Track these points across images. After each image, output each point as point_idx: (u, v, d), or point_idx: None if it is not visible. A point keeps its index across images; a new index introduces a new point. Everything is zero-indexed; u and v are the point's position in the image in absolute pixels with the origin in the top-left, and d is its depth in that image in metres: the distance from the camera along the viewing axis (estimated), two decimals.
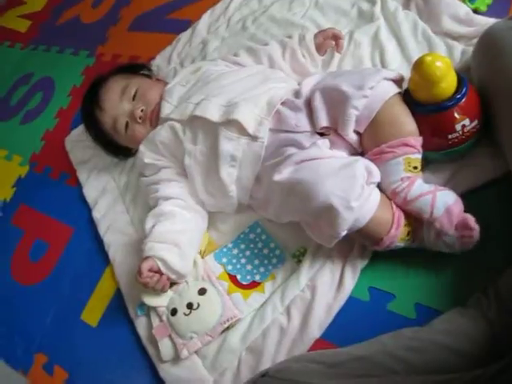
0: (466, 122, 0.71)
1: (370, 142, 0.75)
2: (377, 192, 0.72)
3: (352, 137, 0.76)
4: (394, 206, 0.72)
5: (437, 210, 0.68)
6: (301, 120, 0.79)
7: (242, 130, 0.81)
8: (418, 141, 0.73)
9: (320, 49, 0.94)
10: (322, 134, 0.79)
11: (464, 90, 0.70)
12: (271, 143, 0.80)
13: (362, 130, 0.76)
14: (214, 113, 0.83)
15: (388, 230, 0.70)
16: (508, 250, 0.68)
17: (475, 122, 0.72)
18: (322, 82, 0.81)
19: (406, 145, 0.72)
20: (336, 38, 0.94)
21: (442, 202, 0.69)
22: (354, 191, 0.67)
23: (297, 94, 0.83)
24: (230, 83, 0.88)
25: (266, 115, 0.81)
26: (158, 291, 0.84)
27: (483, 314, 0.63)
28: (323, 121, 0.77)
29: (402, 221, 0.71)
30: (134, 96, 0.96)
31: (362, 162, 0.71)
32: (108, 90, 0.98)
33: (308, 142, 0.77)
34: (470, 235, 0.68)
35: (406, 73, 0.82)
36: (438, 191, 0.70)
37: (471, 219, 0.68)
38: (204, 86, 0.90)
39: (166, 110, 0.91)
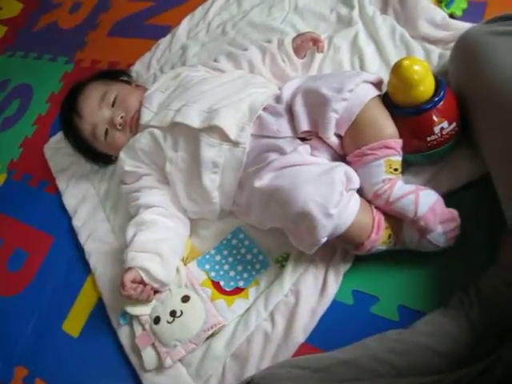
0: (445, 124, 0.72)
1: (351, 145, 0.75)
2: (356, 198, 0.72)
3: (333, 140, 0.77)
4: (375, 210, 0.72)
5: (420, 208, 0.69)
6: (282, 125, 0.79)
7: (223, 136, 0.80)
8: (398, 143, 0.73)
9: (299, 52, 0.95)
10: (303, 139, 0.79)
11: (442, 92, 0.71)
12: (253, 149, 0.80)
13: (342, 133, 0.76)
14: (194, 119, 0.83)
15: (368, 234, 0.70)
16: (488, 250, 0.69)
17: (453, 125, 0.73)
18: (303, 85, 0.81)
19: (387, 147, 0.72)
20: (315, 41, 0.94)
21: (425, 200, 0.70)
22: (333, 198, 0.67)
23: (277, 98, 0.83)
24: (211, 89, 0.88)
25: (248, 121, 0.81)
26: (143, 301, 0.83)
27: (465, 314, 0.64)
28: (304, 125, 0.77)
29: (383, 224, 0.71)
30: (114, 103, 0.95)
31: (341, 169, 0.71)
32: (87, 96, 0.97)
33: (289, 147, 0.77)
34: (454, 227, 0.70)
35: (385, 76, 0.82)
36: (420, 190, 0.71)
37: (455, 212, 0.70)
38: (184, 92, 0.89)
39: (146, 116, 0.91)
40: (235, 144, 0.80)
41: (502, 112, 0.64)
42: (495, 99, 0.65)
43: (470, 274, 0.69)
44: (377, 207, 0.73)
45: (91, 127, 0.96)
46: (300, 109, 0.78)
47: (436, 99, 0.71)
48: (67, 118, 0.99)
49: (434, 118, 0.71)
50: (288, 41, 0.94)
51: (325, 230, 0.67)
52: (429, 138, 0.73)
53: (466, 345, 0.61)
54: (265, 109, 0.82)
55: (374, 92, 0.76)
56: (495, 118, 0.66)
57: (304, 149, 0.76)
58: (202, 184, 0.82)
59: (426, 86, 0.71)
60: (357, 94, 0.74)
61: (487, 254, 0.69)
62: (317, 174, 0.70)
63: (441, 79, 0.74)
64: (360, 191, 0.74)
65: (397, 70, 0.71)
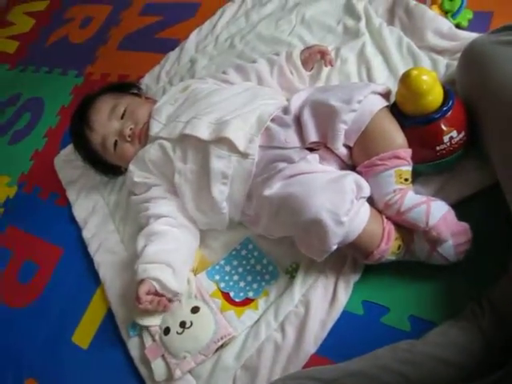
0: (454, 133, 0.72)
1: (361, 155, 0.76)
2: (367, 206, 0.72)
3: (342, 151, 0.77)
4: (385, 220, 0.72)
5: (432, 218, 0.69)
6: (290, 136, 0.80)
7: (232, 148, 0.81)
8: (407, 153, 0.74)
9: (306, 64, 0.96)
10: (311, 149, 0.79)
11: (450, 102, 0.72)
12: (261, 159, 0.81)
13: (351, 144, 0.76)
14: (203, 131, 0.83)
15: (378, 243, 0.70)
16: (499, 259, 0.68)
17: (462, 134, 0.73)
18: (311, 97, 0.82)
19: (397, 157, 0.72)
20: (322, 53, 0.95)
21: (437, 210, 0.70)
22: (344, 206, 0.67)
23: (285, 110, 0.84)
24: (220, 101, 0.89)
25: (256, 132, 0.81)
26: (154, 312, 0.83)
27: (478, 325, 0.63)
28: (312, 136, 0.77)
29: (393, 234, 0.71)
30: (123, 115, 0.96)
31: (351, 177, 0.71)
32: (97, 109, 0.98)
33: (298, 156, 0.77)
34: (465, 241, 0.70)
35: (393, 87, 0.83)
36: (431, 201, 0.71)
37: (466, 225, 0.70)
38: (193, 105, 0.90)
39: (155, 128, 0.92)
40: (244, 155, 0.81)
41: (510, 121, 0.64)
42: (502, 108, 0.65)
43: (482, 284, 0.68)
44: (388, 218, 0.73)
45: (101, 139, 0.97)
46: (308, 119, 0.78)
47: (445, 108, 0.71)
48: (78, 130, 1.00)
49: (443, 128, 0.71)
50: (296, 53, 0.95)
51: (336, 237, 0.68)
52: (438, 148, 0.73)
53: (478, 356, 0.60)
54: (273, 120, 0.82)
55: (383, 102, 0.76)
56: (503, 127, 0.66)
57: (313, 158, 0.77)
58: (211, 195, 0.82)
59: (434, 96, 0.71)
60: (366, 105, 0.74)
61: (498, 263, 0.68)
62: (327, 181, 0.71)
63: (449, 88, 0.74)
64: (371, 201, 0.74)
65: (405, 79, 0.72)
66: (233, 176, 0.81)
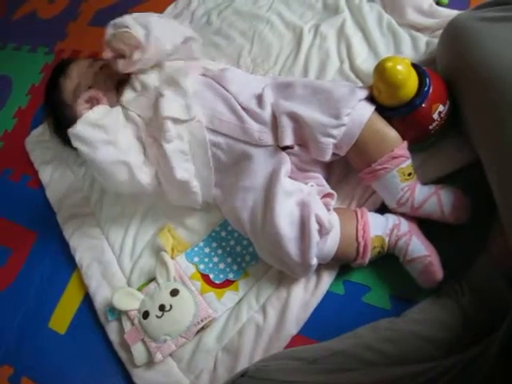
0: (440, 107, 0.72)
1: (359, 162, 0.75)
2: (333, 235, 0.72)
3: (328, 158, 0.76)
4: (360, 235, 0.72)
5: (446, 208, 0.71)
6: (264, 133, 0.77)
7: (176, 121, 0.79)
8: (403, 148, 0.73)
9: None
10: (286, 147, 0.77)
11: (427, 81, 0.71)
12: (231, 151, 0.79)
13: (342, 154, 0.75)
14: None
15: (354, 259, 0.73)
16: (479, 237, 0.69)
17: (448, 104, 0.73)
18: (289, 105, 0.76)
19: (395, 157, 0.72)
20: None
21: (447, 199, 0.72)
22: (310, 251, 0.69)
23: (259, 102, 0.80)
24: None
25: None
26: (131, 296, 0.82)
27: (457, 301, 0.64)
28: (288, 140, 0.76)
29: (369, 247, 0.72)
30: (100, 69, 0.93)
31: (313, 216, 0.69)
32: (77, 62, 0.97)
33: (269, 164, 0.76)
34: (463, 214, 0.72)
35: (373, 64, 0.81)
36: (439, 190, 0.72)
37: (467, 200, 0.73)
38: None
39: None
40: (189, 121, 0.80)
41: (490, 97, 0.64)
42: (483, 84, 0.65)
43: (461, 261, 0.69)
44: (404, 214, 0.75)
45: (75, 85, 0.93)
46: (287, 125, 0.75)
47: (425, 89, 0.70)
48: (53, 78, 0.97)
49: (430, 107, 0.71)
50: None
51: (309, 271, 0.73)
52: (431, 127, 0.73)
53: (458, 332, 0.61)
54: (246, 110, 0.79)
55: (370, 109, 0.73)
56: (483, 103, 0.66)
57: (284, 171, 0.75)
58: (176, 178, 0.80)
59: (411, 81, 0.70)
60: (355, 117, 0.72)
61: (478, 241, 0.69)
62: (292, 221, 0.71)
63: (420, 67, 0.73)
64: (383, 202, 0.77)
65: (381, 73, 0.70)
66: (191, 149, 0.80)
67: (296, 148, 0.77)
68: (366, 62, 0.93)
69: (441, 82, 0.73)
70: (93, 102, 0.89)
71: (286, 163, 0.76)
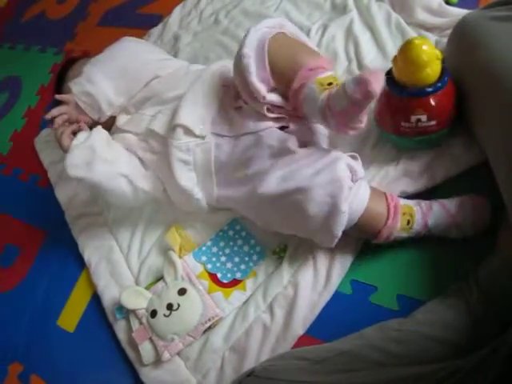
0: (423, 117, 0.70)
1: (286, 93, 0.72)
2: (365, 186, 0.70)
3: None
4: (389, 197, 0.71)
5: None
6: (257, 120, 0.77)
7: (188, 133, 0.80)
8: (318, 62, 0.68)
9: None
10: (282, 128, 0.76)
11: (442, 82, 0.69)
12: (234, 149, 0.79)
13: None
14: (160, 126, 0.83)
15: (384, 221, 0.69)
16: (488, 238, 0.68)
17: (433, 122, 0.71)
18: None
19: (310, 69, 0.67)
20: None
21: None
22: (342, 195, 0.66)
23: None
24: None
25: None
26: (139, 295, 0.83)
27: (465, 302, 0.64)
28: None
29: (400, 210, 0.70)
30: None
31: (343, 161, 0.68)
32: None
33: (274, 140, 0.74)
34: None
35: (382, 64, 0.81)
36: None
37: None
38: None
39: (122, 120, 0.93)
40: (201, 138, 0.80)
41: (499, 95, 0.63)
42: (493, 85, 0.65)
43: (469, 261, 0.69)
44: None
45: None
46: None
47: (428, 90, 0.69)
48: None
49: (413, 107, 0.70)
50: None
51: (338, 226, 0.67)
52: (403, 124, 0.72)
53: (466, 333, 0.61)
54: (237, 109, 0.80)
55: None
56: (493, 102, 0.65)
57: (292, 143, 0.74)
58: (180, 184, 0.81)
59: (425, 72, 0.68)
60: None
61: (486, 240, 0.69)
62: (318, 171, 0.68)
63: (448, 73, 0.71)
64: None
65: (407, 47, 0.68)
66: (195, 162, 0.81)
67: (291, 124, 0.76)
68: (374, 61, 0.92)
69: (450, 101, 0.71)
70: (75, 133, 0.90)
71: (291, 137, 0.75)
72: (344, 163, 0.68)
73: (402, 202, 0.72)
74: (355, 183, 0.69)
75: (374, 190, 0.71)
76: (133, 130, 0.88)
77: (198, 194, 0.83)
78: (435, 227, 0.71)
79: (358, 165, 0.71)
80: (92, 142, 0.83)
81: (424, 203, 0.72)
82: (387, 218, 0.69)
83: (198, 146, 0.80)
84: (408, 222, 0.70)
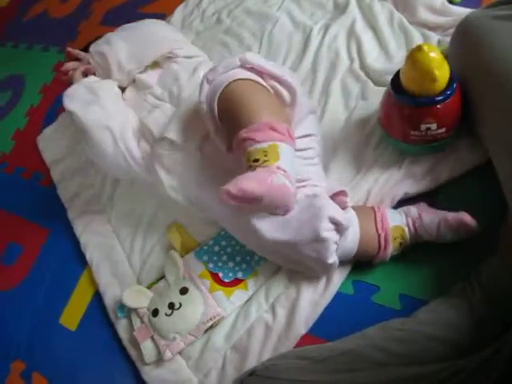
0: (433, 126, 0.70)
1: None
2: (353, 233, 0.70)
3: None
4: (379, 227, 0.71)
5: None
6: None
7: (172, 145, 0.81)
8: (256, 125, 0.65)
9: None
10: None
11: (453, 87, 0.69)
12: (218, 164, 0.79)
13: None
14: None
15: (376, 253, 0.72)
16: (491, 238, 0.68)
17: (442, 129, 0.71)
18: None
19: (243, 139, 0.65)
20: None
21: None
22: (328, 253, 0.67)
23: None
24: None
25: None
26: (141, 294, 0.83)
27: (468, 302, 0.64)
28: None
29: (390, 239, 0.71)
30: None
31: (325, 219, 0.65)
32: None
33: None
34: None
35: (384, 63, 0.81)
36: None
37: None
38: None
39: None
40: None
41: (503, 94, 0.63)
42: (496, 83, 0.65)
43: (471, 261, 0.68)
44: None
45: None
46: None
47: (436, 98, 0.68)
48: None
49: (423, 116, 0.69)
50: None
51: (330, 270, 0.72)
52: (412, 132, 0.72)
53: (469, 333, 0.60)
54: None
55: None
56: (496, 101, 0.65)
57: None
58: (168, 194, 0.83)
59: (434, 82, 0.67)
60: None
61: (489, 242, 0.68)
62: (303, 225, 0.67)
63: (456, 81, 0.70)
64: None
65: (416, 55, 0.66)
66: (179, 170, 0.81)
67: None
68: (376, 60, 0.92)
69: (458, 107, 0.71)
70: (88, 75, 0.95)
71: None
72: (326, 220, 0.65)
73: (392, 223, 0.72)
74: (342, 233, 0.68)
75: (363, 225, 0.71)
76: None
77: (182, 201, 0.84)
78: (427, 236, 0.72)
79: (342, 215, 0.67)
80: (99, 88, 0.86)
81: (413, 214, 0.72)
82: (378, 251, 0.72)
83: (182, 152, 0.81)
84: (400, 244, 0.72)
